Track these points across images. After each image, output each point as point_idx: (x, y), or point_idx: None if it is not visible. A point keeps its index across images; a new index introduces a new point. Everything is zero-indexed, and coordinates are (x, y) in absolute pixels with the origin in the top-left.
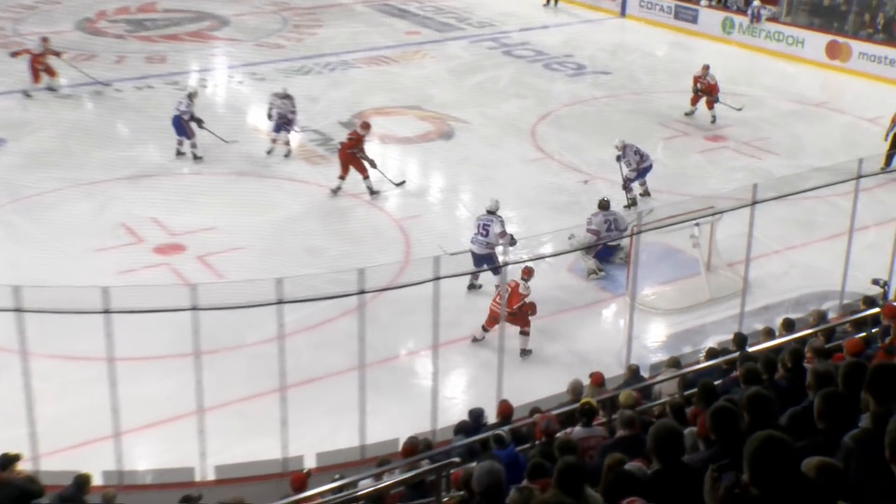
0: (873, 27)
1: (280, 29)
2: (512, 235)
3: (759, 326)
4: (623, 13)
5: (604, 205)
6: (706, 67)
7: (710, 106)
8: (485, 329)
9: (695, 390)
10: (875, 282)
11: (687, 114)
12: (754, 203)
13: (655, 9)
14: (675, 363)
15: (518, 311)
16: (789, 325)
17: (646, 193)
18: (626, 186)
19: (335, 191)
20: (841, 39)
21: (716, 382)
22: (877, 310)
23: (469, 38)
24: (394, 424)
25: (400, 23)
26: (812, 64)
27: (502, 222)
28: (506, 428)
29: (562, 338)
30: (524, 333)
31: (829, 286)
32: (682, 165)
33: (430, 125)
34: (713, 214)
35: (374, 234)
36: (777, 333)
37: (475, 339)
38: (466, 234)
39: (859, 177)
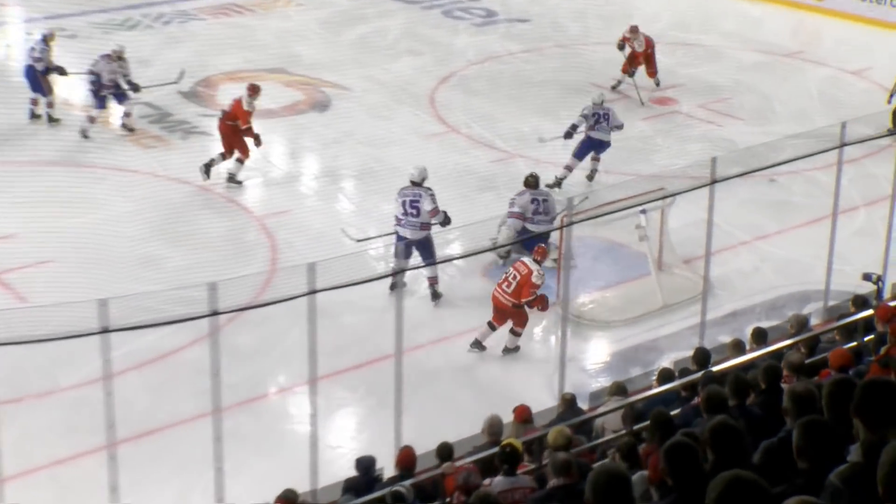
0: None
1: None
2: (445, 213)
3: (726, 339)
4: None
5: (531, 182)
6: (634, 29)
7: (651, 73)
8: (492, 327)
9: (646, 423)
10: (867, 277)
11: (613, 87)
12: (714, 182)
13: None
14: (620, 390)
15: (524, 304)
16: (762, 337)
17: (591, 176)
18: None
19: (231, 178)
20: None
21: (672, 412)
22: (870, 312)
23: None
24: (262, 484)
25: None
26: (781, 3)
27: (433, 197)
28: (407, 482)
29: (476, 362)
30: (515, 333)
31: (811, 284)
32: (624, 136)
33: (299, 93)
34: (663, 198)
35: (230, 238)
36: (748, 347)
37: (476, 346)
38: (350, 231)
39: (843, 145)
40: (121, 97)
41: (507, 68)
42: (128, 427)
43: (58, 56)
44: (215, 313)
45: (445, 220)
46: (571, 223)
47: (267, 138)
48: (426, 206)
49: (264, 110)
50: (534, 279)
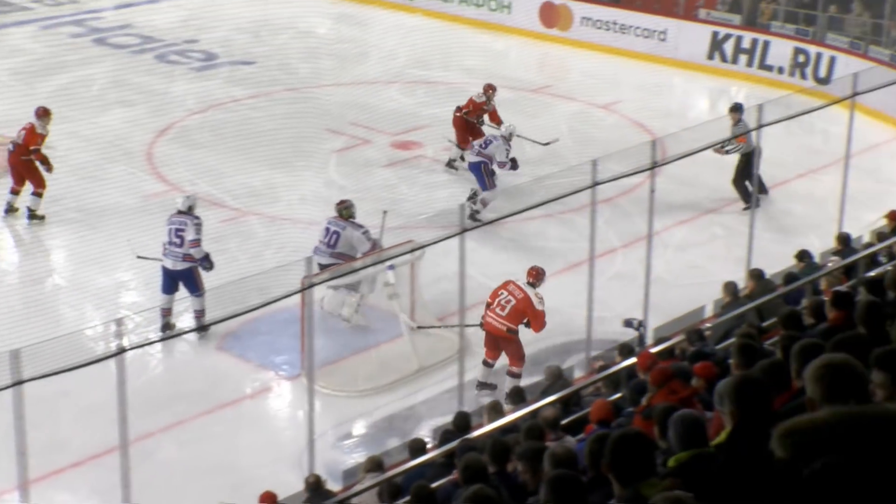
0: None
1: None
2: (208, 255)
3: (486, 400)
4: None
5: (340, 210)
6: (492, 88)
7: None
8: (488, 364)
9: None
10: (628, 323)
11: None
12: (464, 231)
13: None
14: (376, 465)
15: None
16: (519, 396)
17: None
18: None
19: (33, 215)
20: (558, 0)
21: (433, 485)
22: (633, 360)
23: (40, 23)
24: None
25: None
26: (525, 34)
27: (198, 227)
28: None
29: (211, 446)
30: (513, 375)
31: (573, 335)
32: (366, 186)
33: None
34: (412, 251)
35: None
36: (505, 409)
37: (484, 387)
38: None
39: (595, 184)
40: None
41: (232, 116)
42: None
43: None
44: None
45: (208, 263)
46: (312, 285)
47: None
48: (189, 235)
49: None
50: (535, 305)
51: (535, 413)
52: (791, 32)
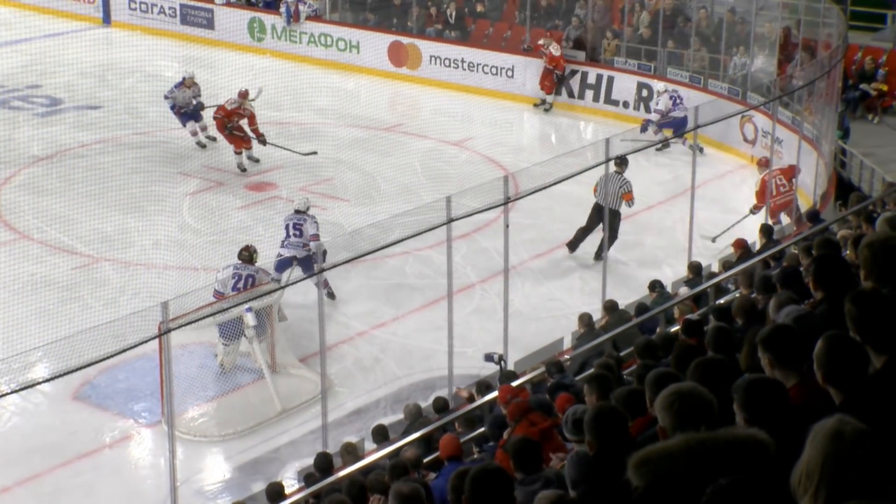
0: (443, 22)
1: None
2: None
3: (351, 439)
4: (107, 20)
5: (244, 255)
6: (244, 94)
7: (240, 146)
8: None
9: None
10: (489, 357)
11: (242, 169)
12: (322, 270)
13: (153, 11)
14: None
15: None
16: (380, 435)
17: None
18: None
19: None
20: (406, 40)
21: None
22: (494, 395)
23: None
24: None
25: None
26: (375, 74)
27: (316, 223)
28: None
29: (68, 501)
30: None
31: (435, 371)
32: (221, 229)
33: None
34: (270, 293)
35: None
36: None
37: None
38: None
39: (450, 220)
40: None
41: (81, 162)
42: None
43: None
44: None
45: (324, 259)
46: (169, 330)
47: None
48: (310, 230)
49: None
50: None
51: (397, 452)
52: (634, 67)
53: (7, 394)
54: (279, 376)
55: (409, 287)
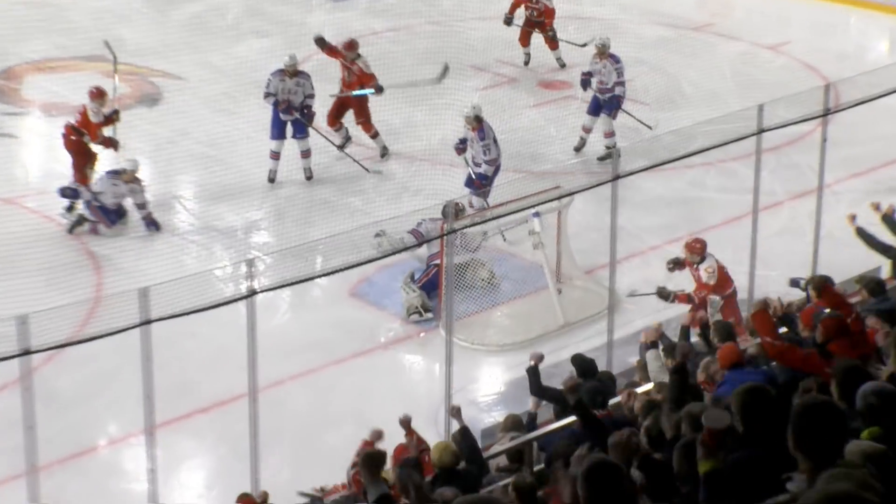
0: None
1: None
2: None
3: (633, 360)
4: None
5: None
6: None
7: (553, 45)
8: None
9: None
10: (795, 283)
11: (526, 63)
12: (617, 178)
13: None
14: (516, 424)
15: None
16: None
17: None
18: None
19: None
20: None
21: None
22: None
23: None
24: None
25: None
26: None
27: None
28: None
29: (347, 398)
30: None
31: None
32: (511, 127)
33: (123, 84)
34: (559, 198)
35: (44, 261)
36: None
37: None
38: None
39: (761, 131)
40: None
41: (371, 50)
42: None
43: None
44: (28, 352)
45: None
46: (452, 231)
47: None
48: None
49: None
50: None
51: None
52: None
53: (285, 285)
54: (563, 286)
55: (709, 201)
